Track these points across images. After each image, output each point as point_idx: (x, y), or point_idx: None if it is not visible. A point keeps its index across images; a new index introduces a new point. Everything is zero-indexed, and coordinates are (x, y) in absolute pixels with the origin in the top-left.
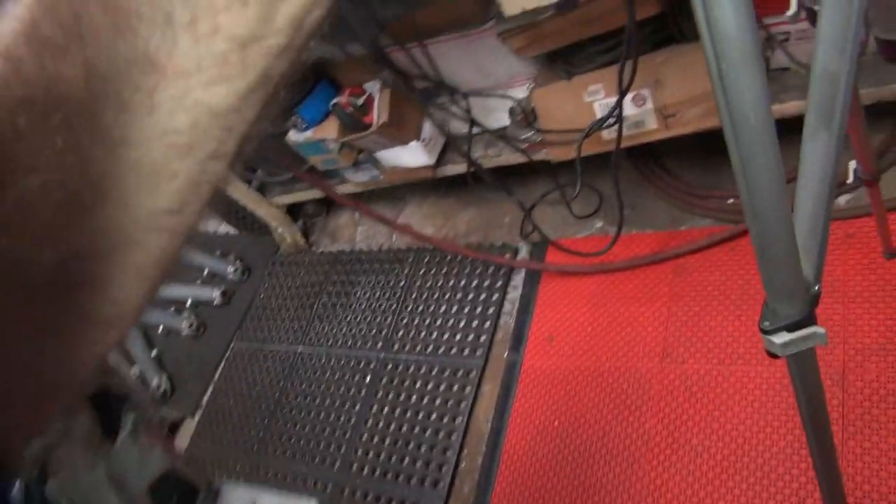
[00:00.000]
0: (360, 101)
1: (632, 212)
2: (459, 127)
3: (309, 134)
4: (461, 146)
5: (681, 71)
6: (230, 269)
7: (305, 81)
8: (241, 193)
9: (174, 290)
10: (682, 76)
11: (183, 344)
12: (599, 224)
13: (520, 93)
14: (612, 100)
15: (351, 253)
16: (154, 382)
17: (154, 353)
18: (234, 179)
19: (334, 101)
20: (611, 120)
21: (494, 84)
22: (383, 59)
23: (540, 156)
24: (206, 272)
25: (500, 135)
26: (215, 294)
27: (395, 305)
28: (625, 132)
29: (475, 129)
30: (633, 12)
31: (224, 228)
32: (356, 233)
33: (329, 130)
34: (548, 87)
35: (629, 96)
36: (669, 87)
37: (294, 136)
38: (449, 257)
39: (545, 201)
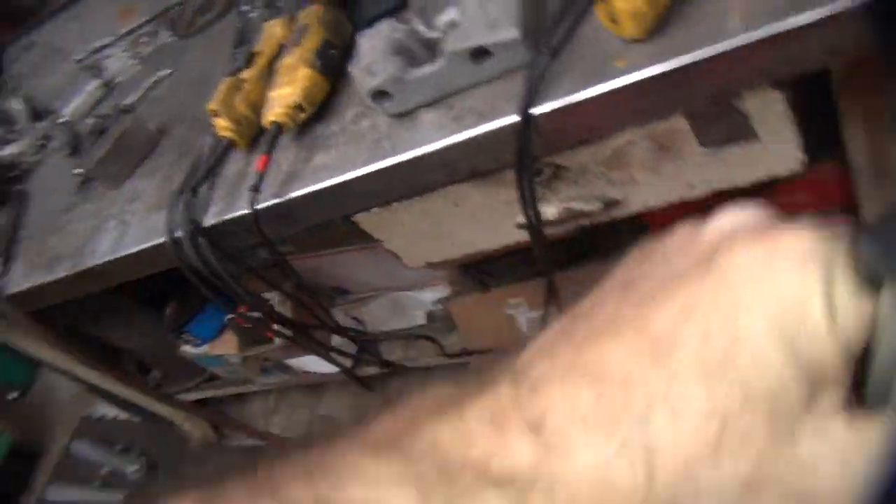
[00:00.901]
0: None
1: None
2: (378, 324)
3: (205, 349)
4: (374, 349)
5: None
6: (132, 468)
7: (192, 300)
8: (138, 392)
9: (68, 495)
10: None
11: None
12: None
13: (434, 293)
14: (536, 313)
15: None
16: None
17: None
18: (129, 377)
19: (229, 316)
20: None
21: (406, 285)
22: (285, 270)
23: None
24: (103, 471)
25: (420, 335)
26: (115, 500)
27: None
28: None
29: (393, 327)
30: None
31: (124, 415)
32: (270, 425)
33: (227, 346)
34: (465, 299)
35: (554, 309)
36: None
37: (190, 350)
38: None
39: None
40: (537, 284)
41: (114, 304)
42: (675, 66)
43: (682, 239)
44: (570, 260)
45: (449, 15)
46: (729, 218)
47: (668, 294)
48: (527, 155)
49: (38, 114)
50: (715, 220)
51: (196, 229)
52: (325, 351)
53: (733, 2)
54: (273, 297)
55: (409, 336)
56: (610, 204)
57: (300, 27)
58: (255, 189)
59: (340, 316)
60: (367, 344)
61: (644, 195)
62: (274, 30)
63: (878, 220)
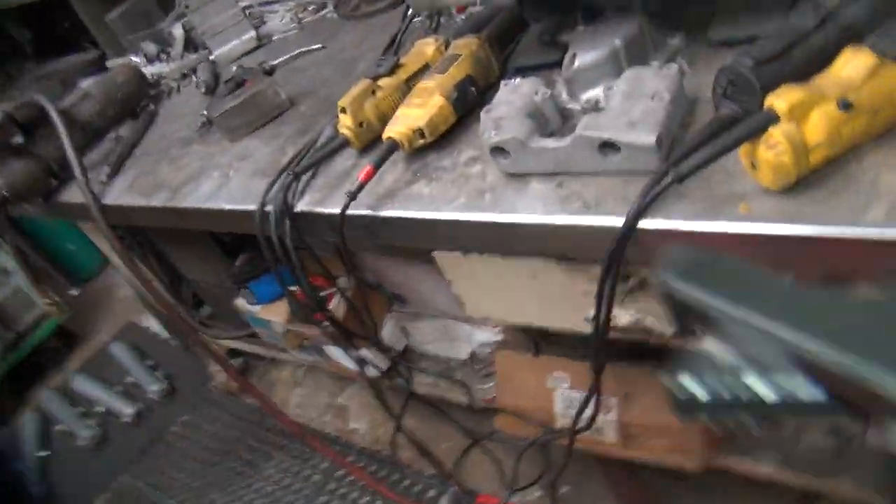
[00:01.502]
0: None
1: (576, 492)
2: (423, 342)
3: (257, 310)
4: (403, 372)
5: (656, 396)
6: (153, 386)
7: (262, 261)
8: (181, 323)
9: (90, 389)
10: (657, 402)
11: (75, 452)
12: (538, 494)
13: (486, 335)
14: (576, 394)
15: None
16: (35, 489)
17: (45, 453)
18: (179, 307)
19: (291, 287)
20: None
21: (463, 317)
22: (350, 265)
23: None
24: (127, 379)
25: (453, 375)
26: (128, 411)
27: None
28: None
29: (435, 351)
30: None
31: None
32: (291, 395)
33: (277, 314)
34: (513, 355)
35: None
36: (639, 406)
37: (243, 305)
38: (375, 467)
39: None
40: (586, 367)
41: (194, 236)
42: (797, 233)
43: None
44: (626, 356)
45: (595, 92)
46: None
47: None
48: (618, 261)
49: (193, 45)
50: None
51: (286, 212)
52: (357, 359)
53: (884, 190)
54: (332, 290)
55: (443, 376)
56: (685, 333)
57: (451, 55)
58: (352, 196)
59: (391, 321)
60: (399, 365)
61: None
62: (425, 48)
63: None
